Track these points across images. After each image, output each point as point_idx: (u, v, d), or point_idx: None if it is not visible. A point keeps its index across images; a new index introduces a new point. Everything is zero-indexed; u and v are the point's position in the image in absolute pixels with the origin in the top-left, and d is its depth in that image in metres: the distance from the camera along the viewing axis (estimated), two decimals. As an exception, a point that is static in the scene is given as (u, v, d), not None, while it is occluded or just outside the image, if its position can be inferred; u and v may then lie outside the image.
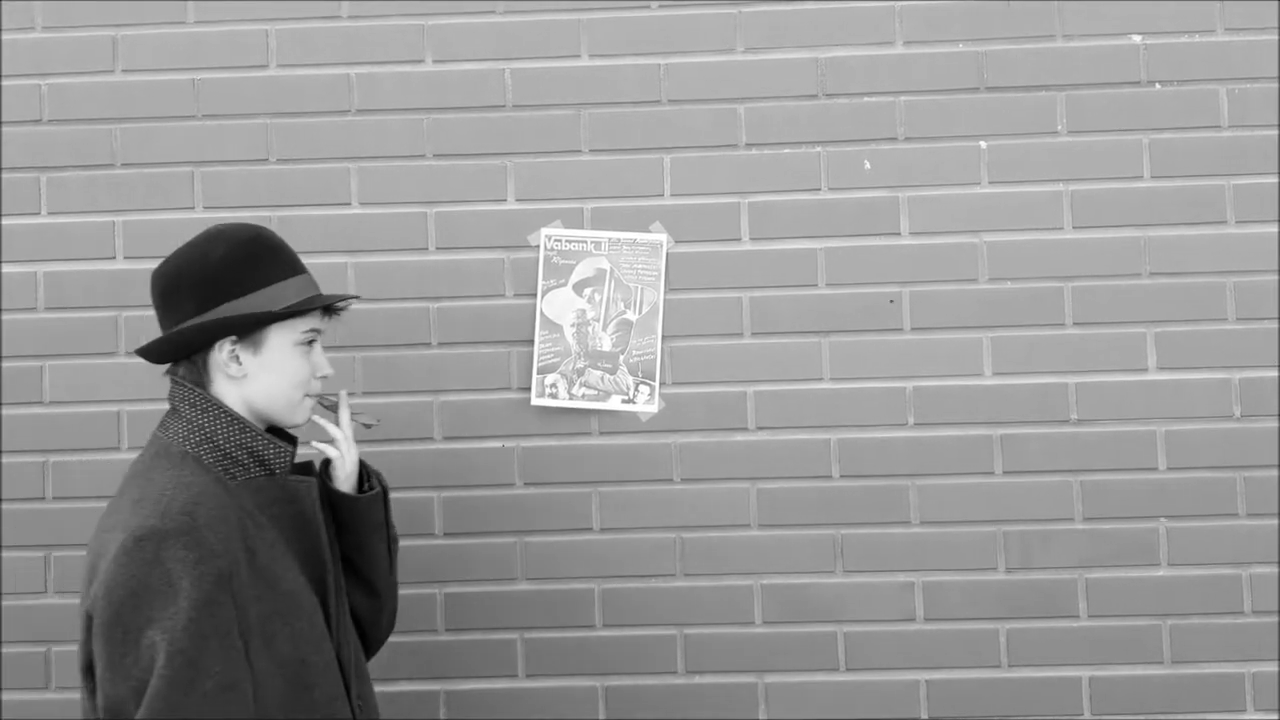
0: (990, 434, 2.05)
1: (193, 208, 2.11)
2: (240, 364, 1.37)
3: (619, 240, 2.08)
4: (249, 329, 1.35)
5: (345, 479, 1.52)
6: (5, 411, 2.10)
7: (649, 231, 2.08)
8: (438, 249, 2.10)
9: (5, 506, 2.09)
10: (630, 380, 2.06)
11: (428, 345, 2.09)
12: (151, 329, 2.08)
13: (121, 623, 1.18)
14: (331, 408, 1.55)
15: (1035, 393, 2.04)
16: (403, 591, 2.06)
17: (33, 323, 2.11)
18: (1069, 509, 2.04)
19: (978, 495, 2.04)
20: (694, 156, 2.09)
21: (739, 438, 2.07)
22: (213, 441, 1.35)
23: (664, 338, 2.07)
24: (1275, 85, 2.05)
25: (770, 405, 2.06)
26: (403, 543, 2.07)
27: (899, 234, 2.07)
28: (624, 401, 2.06)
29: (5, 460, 2.10)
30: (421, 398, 2.09)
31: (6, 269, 2.11)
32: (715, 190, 2.09)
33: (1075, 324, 2.05)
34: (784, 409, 2.06)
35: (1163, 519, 2.03)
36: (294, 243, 2.07)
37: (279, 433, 1.50)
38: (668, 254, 2.08)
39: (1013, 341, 2.05)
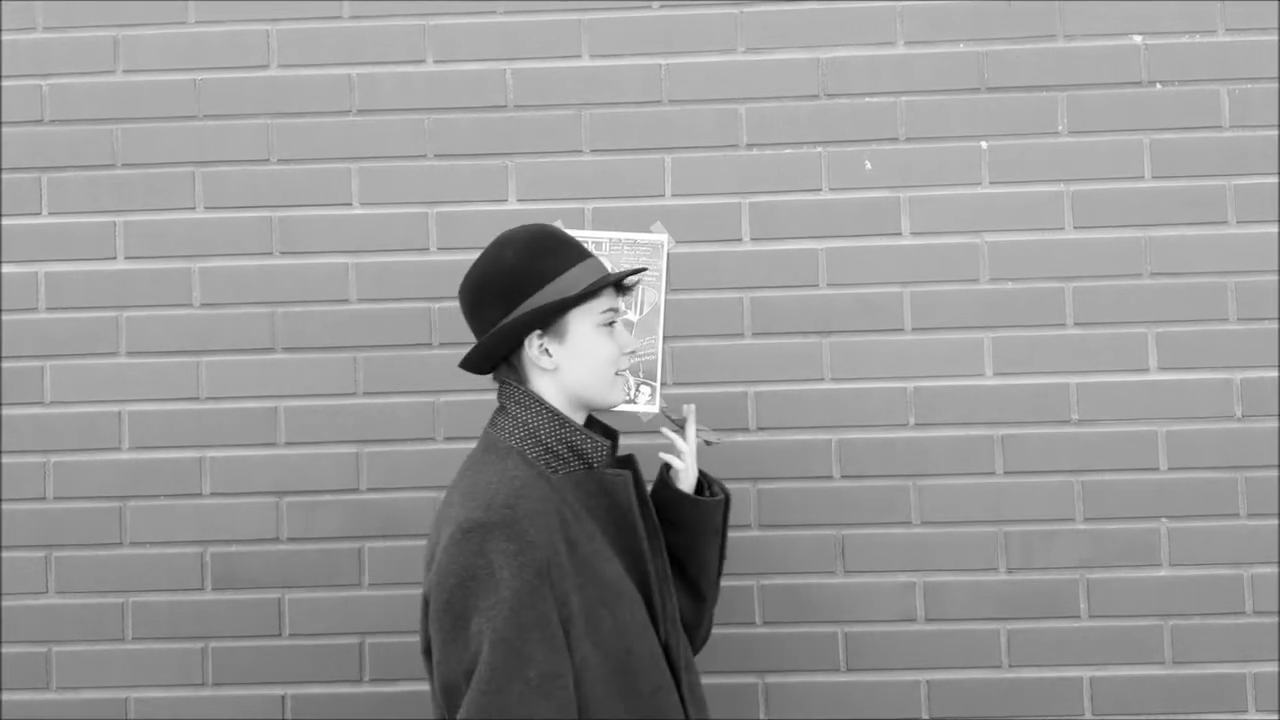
0: (991, 434, 2.05)
1: (194, 208, 2.11)
2: (550, 355, 1.40)
3: (620, 240, 2.08)
4: (550, 319, 1.38)
5: (686, 488, 1.57)
6: (6, 411, 2.10)
7: (650, 232, 2.08)
8: (439, 249, 2.10)
9: (6, 506, 2.09)
10: (631, 380, 2.06)
11: (429, 345, 2.09)
12: (154, 330, 2.09)
13: (452, 610, 1.23)
14: (680, 423, 1.62)
15: (1036, 393, 2.04)
16: (404, 591, 2.06)
17: (34, 323, 2.11)
18: (1070, 509, 2.04)
19: (979, 495, 2.04)
20: (695, 157, 2.09)
21: (740, 438, 2.07)
22: (535, 437, 1.38)
23: (665, 338, 2.07)
24: (1276, 85, 2.05)
25: (771, 405, 2.06)
26: (401, 543, 2.07)
27: (900, 234, 2.07)
28: (625, 402, 2.05)
29: (6, 460, 2.10)
30: (423, 398, 2.08)
31: (8, 269, 2.11)
32: (716, 190, 2.09)
33: (1076, 324, 2.06)
34: (785, 409, 2.06)
35: (1164, 519, 2.03)
36: (295, 243, 2.10)
37: (598, 427, 1.55)
38: (669, 254, 2.08)
39: (1014, 342, 2.05)
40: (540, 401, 1.39)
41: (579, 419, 1.45)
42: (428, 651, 1.32)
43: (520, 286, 1.38)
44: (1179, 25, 2.06)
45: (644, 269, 1.52)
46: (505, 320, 1.38)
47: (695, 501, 1.54)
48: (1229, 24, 2.06)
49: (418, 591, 2.05)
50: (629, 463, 1.53)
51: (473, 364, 1.45)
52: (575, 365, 1.40)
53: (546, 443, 1.38)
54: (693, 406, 1.65)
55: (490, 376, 1.49)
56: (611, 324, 1.44)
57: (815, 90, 2.09)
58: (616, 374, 1.45)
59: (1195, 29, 2.06)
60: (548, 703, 1.20)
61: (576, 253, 1.43)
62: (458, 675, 1.22)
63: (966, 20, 2.08)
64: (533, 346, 1.39)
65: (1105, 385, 2.05)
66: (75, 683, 2.08)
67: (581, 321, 1.40)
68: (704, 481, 1.61)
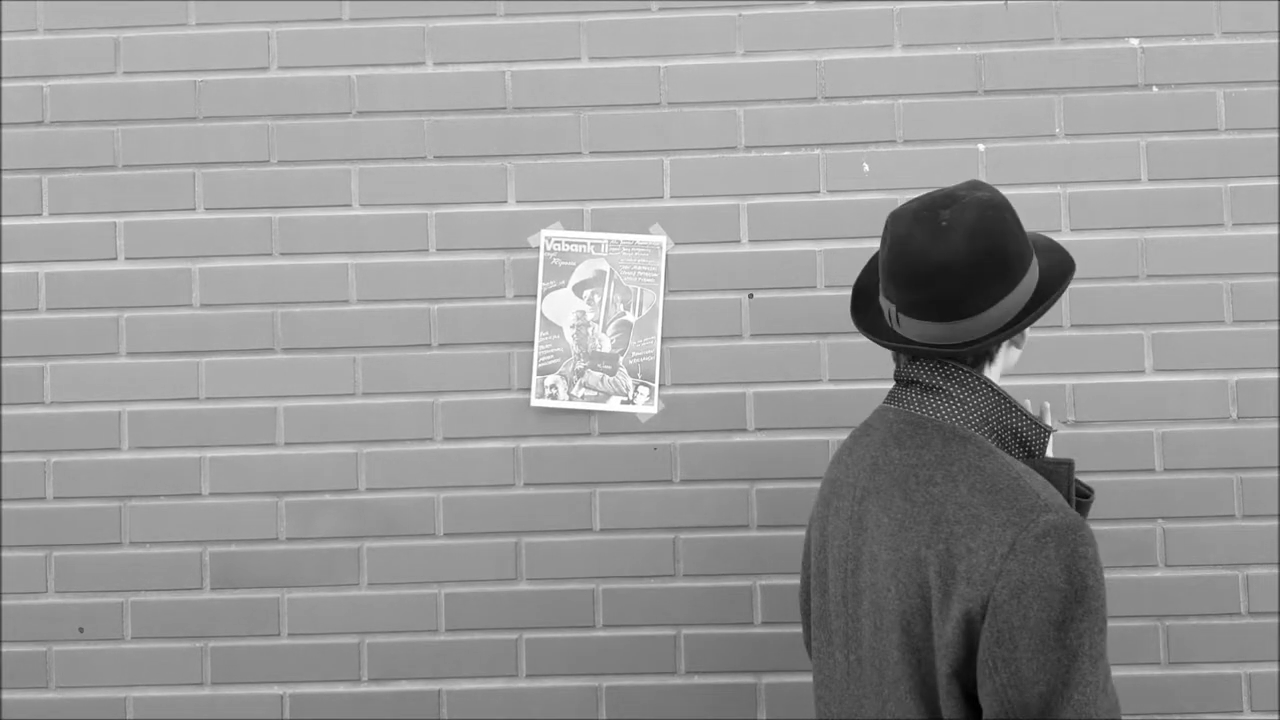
0: (988, 435, 2.05)
1: (194, 209, 2.12)
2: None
3: (619, 242, 2.09)
4: (1053, 303, 1.26)
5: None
6: (7, 412, 2.11)
7: (649, 233, 2.09)
8: (438, 250, 2.11)
9: (7, 506, 2.10)
10: (630, 381, 2.07)
11: (428, 346, 2.10)
12: (154, 330, 2.10)
13: (1051, 620, 1.11)
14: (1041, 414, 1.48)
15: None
16: (402, 591, 2.07)
17: (34, 323, 2.11)
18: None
19: (976, 496, 2.05)
20: (694, 158, 2.10)
21: (738, 439, 2.07)
22: (988, 423, 1.24)
23: (663, 339, 2.08)
24: (1273, 88, 2.06)
25: (769, 406, 2.07)
26: (400, 543, 2.08)
27: (898, 236, 2.08)
28: (623, 402, 2.06)
29: (7, 460, 2.10)
30: (422, 398, 2.09)
31: (9, 269, 2.12)
32: (715, 192, 2.09)
33: (1073, 325, 2.06)
34: (783, 410, 2.07)
35: (1160, 520, 2.04)
36: (295, 243, 2.11)
37: None
38: (667, 255, 2.09)
39: (1011, 343, 2.06)
40: (990, 384, 1.24)
41: None
42: (957, 673, 1.16)
43: (1024, 256, 1.23)
44: (1175, 28, 2.07)
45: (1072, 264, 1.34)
46: (1015, 295, 1.22)
47: (1080, 504, 1.40)
48: (1225, 27, 2.07)
49: (416, 591, 2.06)
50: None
51: (989, 339, 1.22)
52: (1005, 357, 1.31)
53: (997, 430, 1.24)
54: (1047, 403, 1.48)
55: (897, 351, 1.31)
56: None
57: (813, 92, 2.10)
58: None
59: (1191, 32, 2.07)
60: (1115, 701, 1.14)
61: None
62: (1053, 686, 1.10)
63: (964, 23, 2.09)
64: None
65: (1101, 386, 2.05)
66: (75, 681, 2.08)
67: None
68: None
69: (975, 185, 1.26)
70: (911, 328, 1.26)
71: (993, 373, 1.28)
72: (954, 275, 1.20)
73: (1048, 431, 1.27)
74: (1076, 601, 1.09)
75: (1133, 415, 2.05)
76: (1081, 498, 1.41)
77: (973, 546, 1.13)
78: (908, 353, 1.28)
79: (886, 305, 1.29)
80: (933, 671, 1.17)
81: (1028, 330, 1.30)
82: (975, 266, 1.19)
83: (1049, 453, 1.40)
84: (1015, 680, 1.10)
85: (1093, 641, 1.09)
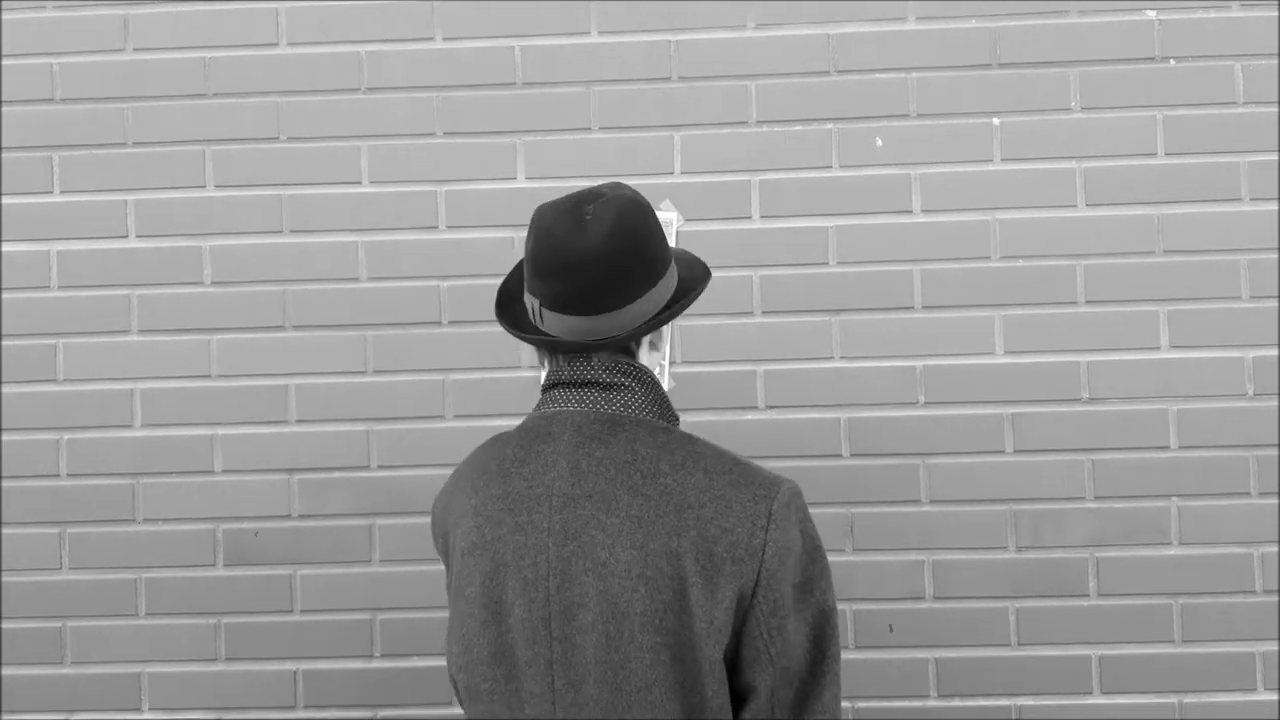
0: (1001, 413, 2.04)
1: (204, 186, 2.12)
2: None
3: (629, 218, 2.07)
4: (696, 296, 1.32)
5: None
6: (20, 389, 2.12)
7: (659, 210, 2.08)
8: (448, 227, 2.10)
9: (21, 483, 2.11)
10: (640, 358, 2.06)
11: (438, 324, 2.10)
12: (165, 308, 2.10)
13: (802, 577, 1.21)
14: None
15: (1047, 371, 2.04)
16: (414, 568, 2.07)
17: (46, 301, 2.12)
18: (1080, 488, 2.03)
19: (988, 474, 2.04)
20: (704, 134, 2.08)
21: (749, 416, 2.07)
22: (665, 414, 1.27)
23: (674, 316, 2.07)
24: (1291, 61, 2.04)
25: (780, 384, 2.06)
26: (411, 520, 2.08)
27: (910, 212, 2.06)
28: (634, 380, 2.06)
29: (20, 438, 2.11)
30: (432, 376, 2.09)
31: (20, 248, 2.13)
32: (725, 168, 2.08)
33: (1087, 302, 2.05)
34: (794, 388, 2.06)
35: (1174, 498, 2.03)
36: (303, 221, 2.11)
37: None
38: (678, 232, 2.08)
39: (1024, 320, 2.05)
40: (651, 374, 1.28)
41: None
42: (727, 651, 1.18)
43: (666, 253, 1.29)
44: (1193, 0, 2.04)
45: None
46: (661, 290, 1.26)
47: None
48: (1244, -2, 2.04)
49: (427, 568, 2.07)
50: None
51: (636, 332, 1.25)
52: (651, 354, 1.33)
53: (668, 416, 1.28)
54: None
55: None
56: None
57: (825, 66, 2.08)
58: None
59: (1209, 4, 2.04)
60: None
61: None
62: (814, 641, 1.20)
63: (978, -4, 2.06)
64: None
65: (1116, 363, 2.04)
66: (89, 658, 2.10)
67: None
68: None
69: (618, 186, 1.28)
70: (555, 323, 1.24)
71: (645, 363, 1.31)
72: (596, 267, 1.19)
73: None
74: (812, 560, 1.19)
75: (1147, 392, 2.03)
76: None
77: (728, 526, 1.14)
78: (566, 350, 1.26)
79: (530, 301, 1.27)
80: (695, 663, 1.14)
81: (667, 338, 1.34)
82: (616, 259, 1.20)
83: None
84: (785, 647, 1.15)
85: (830, 593, 1.20)
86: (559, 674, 1.16)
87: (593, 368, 1.25)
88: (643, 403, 1.24)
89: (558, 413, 1.25)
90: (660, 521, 1.15)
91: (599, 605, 1.14)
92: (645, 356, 1.29)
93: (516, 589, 1.18)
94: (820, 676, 1.18)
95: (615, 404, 1.24)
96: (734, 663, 1.17)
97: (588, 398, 1.24)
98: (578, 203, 1.23)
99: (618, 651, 1.14)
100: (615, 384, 1.24)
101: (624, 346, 1.26)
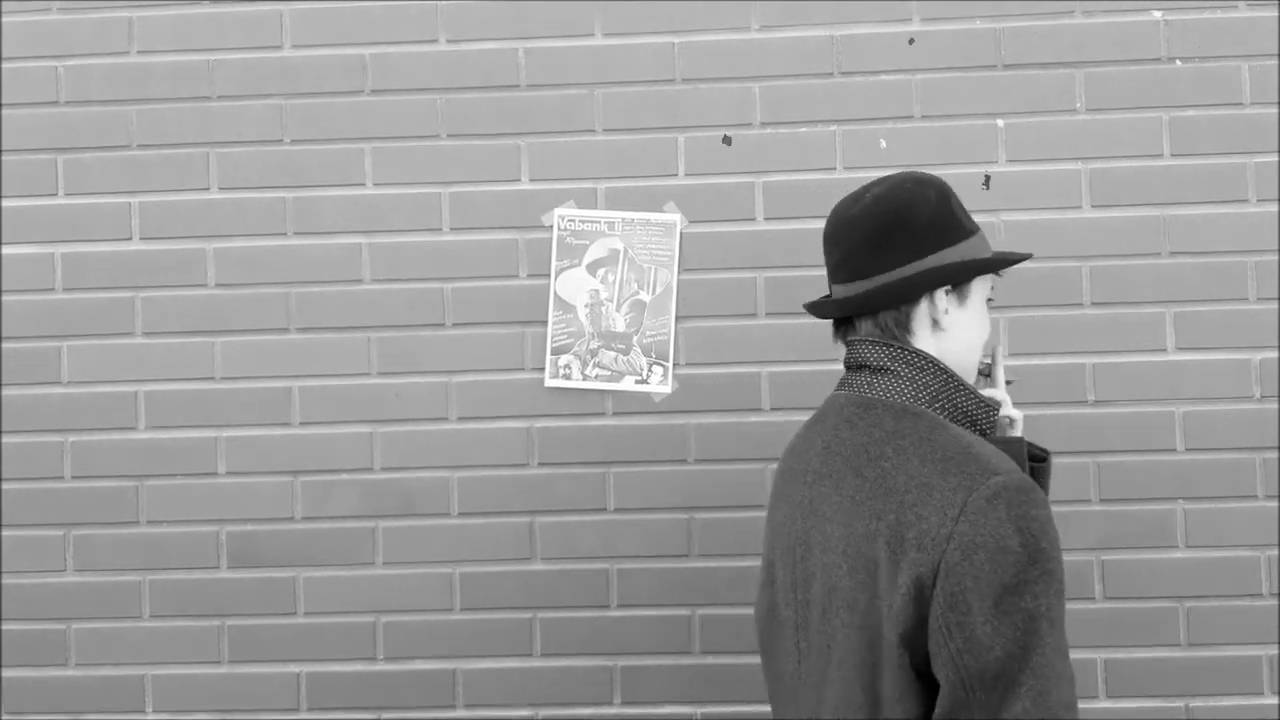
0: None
1: (208, 188, 2.12)
2: (948, 315, 1.27)
3: (633, 220, 2.07)
4: (964, 278, 1.26)
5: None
6: (24, 391, 2.12)
7: (663, 211, 2.08)
8: (452, 229, 2.10)
9: (26, 485, 2.11)
10: (644, 361, 2.06)
11: (442, 325, 2.10)
12: (169, 310, 2.10)
13: (1001, 583, 1.09)
14: (986, 370, 1.46)
15: (1053, 373, 2.03)
16: (415, 571, 2.07)
17: (51, 303, 2.12)
18: (1086, 490, 2.02)
19: (993, 476, 2.03)
20: (708, 136, 2.08)
21: (753, 418, 2.06)
22: (939, 400, 1.24)
23: (678, 318, 2.07)
24: (1298, 62, 2.03)
25: (784, 386, 2.06)
26: (415, 523, 2.08)
27: (915, 213, 2.05)
28: (637, 382, 2.06)
29: (25, 439, 2.12)
30: (436, 378, 2.09)
31: (25, 250, 2.13)
32: (729, 170, 2.08)
33: (1094, 304, 2.04)
34: (798, 389, 2.06)
35: (1180, 500, 2.02)
36: (307, 223, 2.11)
37: None
38: (681, 234, 2.07)
39: (1030, 321, 2.04)
40: (936, 362, 1.24)
41: None
42: (905, 640, 1.13)
43: (944, 233, 1.25)
44: (1199, 1, 2.03)
45: (1029, 255, 1.36)
46: (916, 265, 1.24)
47: (1041, 467, 1.39)
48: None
49: (430, 570, 2.07)
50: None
51: (856, 304, 1.26)
52: (963, 334, 1.28)
53: (948, 408, 1.24)
54: (998, 345, 1.49)
55: (835, 332, 1.33)
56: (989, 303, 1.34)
57: (830, 68, 2.07)
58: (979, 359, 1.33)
59: (1215, 5, 2.03)
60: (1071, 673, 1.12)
61: (973, 221, 1.34)
62: (1010, 650, 1.07)
63: (983, -3, 2.06)
64: (942, 301, 1.25)
65: (1122, 365, 2.03)
66: (93, 659, 2.10)
67: (980, 291, 1.30)
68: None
69: (919, 171, 1.30)
70: (837, 294, 1.31)
71: (932, 353, 1.27)
72: (856, 230, 1.25)
73: (997, 406, 1.27)
74: (1030, 563, 1.08)
75: (1154, 394, 2.02)
76: (1037, 461, 1.40)
77: (923, 514, 1.12)
78: (824, 316, 1.32)
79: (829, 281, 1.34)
80: (879, 647, 1.15)
81: (975, 317, 1.29)
82: (876, 223, 1.24)
83: (1019, 429, 1.46)
84: (970, 645, 1.08)
85: (1049, 605, 1.07)
86: (801, 636, 1.26)
87: (866, 351, 1.28)
88: (905, 387, 1.24)
89: (834, 396, 1.33)
90: (869, 504, 1.17)
91: (822, 578, 1.22)
92: (930, 333, 1.27)
93: (781, 556, 1.30)
94: (1015, 686, 1.07)
95: (876, 388, 1.26)
96: (925, 653, 1.14)
97: (855, 381, 1.29)
98: (871, 184, 1.30)
99: (828, 624, 1.20)
100: (882, 368, 1.27)
101: (889, 330, 1.27)
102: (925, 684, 1.14)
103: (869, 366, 1.27)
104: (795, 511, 1.28)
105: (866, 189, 1.29)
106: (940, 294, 1.25)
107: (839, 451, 1.24)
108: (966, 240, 1.27)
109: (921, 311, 1.26)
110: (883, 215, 1.25)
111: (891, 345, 1.26)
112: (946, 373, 1.24)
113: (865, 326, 1.28)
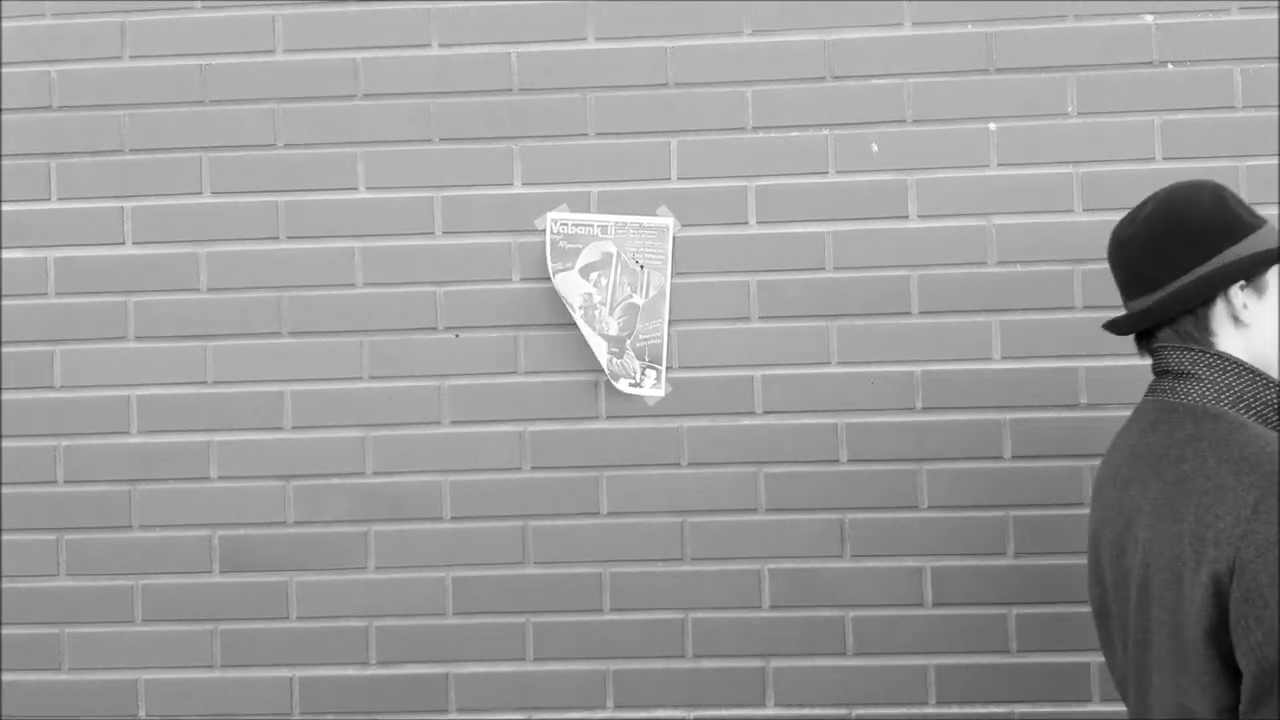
0: (999, 418, 2.04)
1: (201, 193, 2.12)
2: (1248, 309, 1.29)
3: (626, 224, 2.07)
4: (1253, 271, 1.28)
5: None
6: (17, 396, 2.12)
7: (656, 215, 2.08)
8: (444, 233, 2.10)
9: (18, 490, 2.11)
10: (637, 364, 2.06)
11: (435, 329, 2.09)
12: (162, 314, 2.10)
13: None
14: None
15: (1045, 377, 2.03)
16: (410, 575, 2.07)
17: (43, 308, 2.12)
18: (1078, 493, 2.02)
19: (986, 480, 2.03)
20: (701, 140, 2.08)
21: (746, 422, 2.06)
22: (1244, 401, 1.26)
23: (671, 321, 2.07)
24: (1290, 65, 2.03)
25: (777, 389, 2.06)
26: (410, 526, 2.08)
27: (907, 217, 2.06)
28: (631, 385, 2.05)
29: (17, 444, 2.11)
30: (429, 382, 2.09)
31: (18, 254, 2.13)
32: (722, 174, 2.08)
33: (1085, 307, 2.04)
34: (791, 393, 2.06)
35: (1173, 504, 2.01)
36: (300, 227, 2.11)
37: None
38: (674, 237, 2.07)
39: (1022, 325, 2.04)
40: (1238, 363, 1.27)
41: None
42: (1210, 636, 1.17)
43: (1225, 232, 1.29)
44: (1191, 4, 2.04)
45: None
46: (1204, 267, 1.28)
47: None
48: (1242, 2, 2.03)
49: (423, 574, 2.06)
50: None
51: (1153, 315, 1.31)
52: (1267, 326, 1.30)
53: (1255, 406, 1.26)
54: None
55: (1132, 339, 1.37)
56: None
57: (822, 72, 2.07)
58: None
59: (1207, 8, 2.04)
60: None
61: (1257, 213, 1.34)
62: None
63: (974, 0, 2.06)
64: (1238, 297, 1.28)
65: (1114, 369, 2.03)
66: (86, 664, 2.10)
67: (1276, 280, 1.31)
68: None
69: (1189, 180, 1.35)
70: (1132, 309, 1.37)
71: (1237, 350, 1.30)
72: (1135, 247, 1.32)
73: None
74: None
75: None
76: None
77: (1219, 513, 1.16)
78: (1123, 333, 1.37)
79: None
80: (1188, 640, 1.20)
81: (1278, 308, 1.30)
82: (1152, 237, 1.30)
83: None
84: (1270, 637, 1.11)
85: None
86: (1125, 633, 1.33)
87: (1168, 357, 1.33)
88: (1208, 391, 1.28)
89: (1141, 403, 1.39)
90: (1171, 505, 1.22)
91: (1137, 577, 1.27)
92: (1233, 338, 1.30)
93: (1105, 556, 1.36)
94: None
95: (1179, 393, 1.30)
96: (1229, 645, 1.18)
97: (1160, 386, 1.35)
98: (1145, 200, 1.36)
99: (1141, 621, 1.27)
100: (1184, 372, 1.31)
101: (1188, 335, 1.31)
102: (1233, 674, 1.18)
103: (1171, 372, 1.33)
104: (1113, 515, 1.34)
105: (1141, 206, 1.35)
106: (1235, 290, 1.28)
107: (1143, 455, 1.30)
108: (1253, 234, 1.29)
109: (1219, 311, 1.30)
110: (1159, 226, 1.31)
111: (1192, 349, 1.30)
112: (1251, 372, 1.27)
113: (1165, 334, 1.33)
